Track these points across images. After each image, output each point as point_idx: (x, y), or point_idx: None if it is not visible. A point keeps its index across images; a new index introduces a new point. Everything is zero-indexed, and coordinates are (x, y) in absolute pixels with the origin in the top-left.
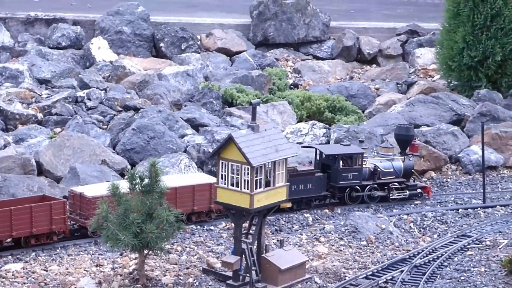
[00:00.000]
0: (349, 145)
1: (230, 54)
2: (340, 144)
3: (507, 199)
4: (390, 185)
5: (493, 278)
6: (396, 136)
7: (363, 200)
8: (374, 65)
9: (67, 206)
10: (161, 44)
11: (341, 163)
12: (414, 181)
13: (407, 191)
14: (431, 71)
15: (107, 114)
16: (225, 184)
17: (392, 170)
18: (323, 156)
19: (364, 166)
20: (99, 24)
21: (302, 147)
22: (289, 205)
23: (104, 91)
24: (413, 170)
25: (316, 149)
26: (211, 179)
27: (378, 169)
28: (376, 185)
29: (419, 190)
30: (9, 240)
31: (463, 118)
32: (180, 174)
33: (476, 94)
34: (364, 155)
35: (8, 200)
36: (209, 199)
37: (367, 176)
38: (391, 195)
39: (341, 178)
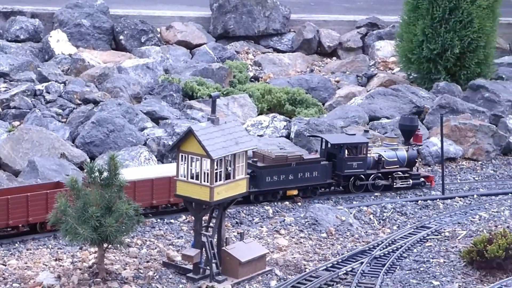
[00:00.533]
0: (354, 134)
1: (190, 47)
2: (345, 133)
3: (466, 190)
4: (394, 174)
5: (452, 269)
6: (400, 126)
7: (367, 188)
8: (334, 58)
9: None
10: (121, 37)
11: (346, 152)
12: (417, 170)
13: (411, 180)
14: (391, 63)
15: (66, 107)
16: (185, 177)
17: (396, 159)
18: (329, 145)
19: (368, 155)
20: (58, 17)
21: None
22: (295, 192)
23: (63, 84)
24: (416, 160)
25: (322, 138)
26: None
27: (382, 158)
28: (380, 174)
29: (422, 179)
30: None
31: (423, 110)
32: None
33: (435, 87)
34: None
35: (22, 187)
36: None
37: (372, 165)
38: (394, 184)
39: (346, 167)
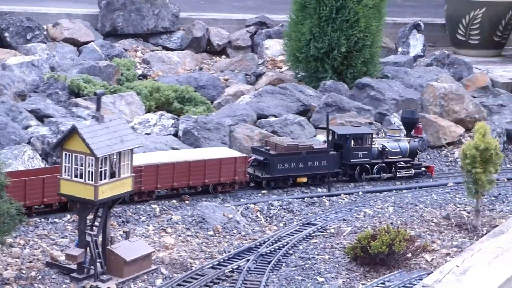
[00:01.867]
0: (360, 126)
1: (77, 44)
2: (351, 125)
3: (351, 187)
4: (397, 164)
5: (337, 265)
6: (402, 119)
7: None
8: (223, 56)
9: None
10: (6, 34)
11: (352, 142)
12: (418, 161)
13: (413, 169)
14: (279, 62)
15: None
16: (68, 175)
17: (398, 150)
18: (336, 136)
19: (373, 146)
20: None
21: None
22: (304, 179)
23: None
24: (418, 151)
25: (330, 129)
26: (236, 153)
27: (386, 149)
28: (384, 164)
29: (423, 169)
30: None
31: (310, 109)
32: (207, 148)
33: (322, 85)
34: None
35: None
36: (233, 171)
37: (376, 155)
38: (398, 173)
39: (352, 156)
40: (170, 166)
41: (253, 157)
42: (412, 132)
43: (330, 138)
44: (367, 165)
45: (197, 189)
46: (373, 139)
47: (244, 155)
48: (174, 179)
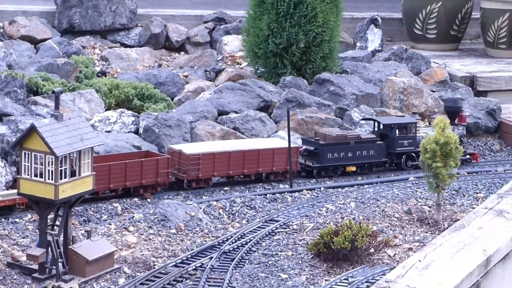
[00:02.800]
0: (404, 116)
1: (34, 42)
2: (395, 115)
3: (313, 183)
4: None
5: (300, 262)
6: (446, 108)
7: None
8: (182, 53)
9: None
10: None
11: (397, 131)
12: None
13: None
14: (239, 58)
15: None
16: (28, 175)
17: None
18: (381, 126)
19: (417, 134)
20: None
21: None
22: (354, 168)
23: None
24: (462, 138)
25: (374, 120)
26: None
27: None
28: None
29: (468, 156)
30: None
31: (270, 104)
32: (261, 139)
33: (282, 81)
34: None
35: (117, 154)
36: (285, 161)
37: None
38: None
39: (397, 145)
40: (226, 154)
41: (303, 147)
42: (456, 120)
43: (375, 128)
44: (413, 153)
45: (250, 177)
46: (418, 128)
47: (296, 145)
48: (230, 167)
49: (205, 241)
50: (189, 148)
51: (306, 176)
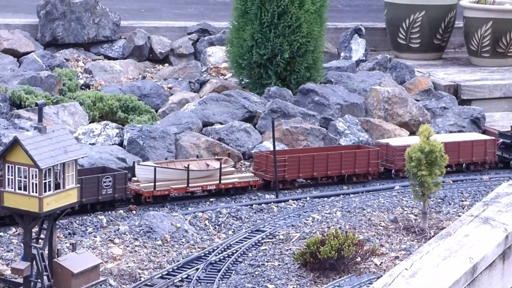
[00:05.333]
0: None
1: (17, 55)
2: None
3: (299, 193)
4: None
5: (287, 272)
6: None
7: None
8: (166, 64)
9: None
10: None
11: None
12: None
13: None
14: (223, 69)
15: None
16: (12, 188)
17: None
18: None
19: None
20: None
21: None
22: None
23: None
24: None
25: None
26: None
27: None
28: None
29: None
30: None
31: (255, 115)
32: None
33: (267, 91)
34: None
35: (331, 147)
36: (484, 152)
37: None
38: None
39: None
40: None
41: (500, 140)
42: None
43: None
44: None
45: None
46: None
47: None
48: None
49: (191, 252)
50: (395, 141)
51: (504, 167)
